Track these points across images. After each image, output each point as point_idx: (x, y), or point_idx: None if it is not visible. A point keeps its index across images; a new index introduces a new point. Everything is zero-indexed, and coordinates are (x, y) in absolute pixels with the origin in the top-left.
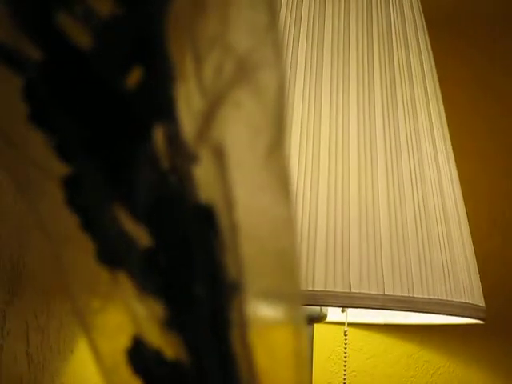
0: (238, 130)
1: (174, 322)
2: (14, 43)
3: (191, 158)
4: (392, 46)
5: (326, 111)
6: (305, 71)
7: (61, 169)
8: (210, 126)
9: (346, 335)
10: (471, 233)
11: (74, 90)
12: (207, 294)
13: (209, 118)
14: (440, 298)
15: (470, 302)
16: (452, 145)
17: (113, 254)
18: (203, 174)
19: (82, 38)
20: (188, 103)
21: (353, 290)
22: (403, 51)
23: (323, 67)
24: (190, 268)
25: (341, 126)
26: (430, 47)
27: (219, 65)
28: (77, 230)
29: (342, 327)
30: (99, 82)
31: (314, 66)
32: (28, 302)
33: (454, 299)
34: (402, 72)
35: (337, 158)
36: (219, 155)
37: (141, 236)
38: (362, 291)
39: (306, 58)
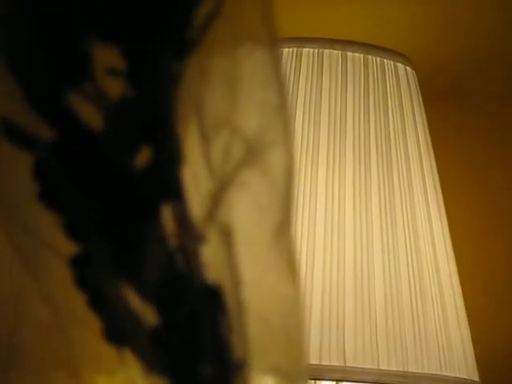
0: (246, 211)
1: None
2: (25, 123)
3: (199, 238)
4: (388, 120)
5: (322, 185)
6: (301, 145)
7: (69, 247)
8: (218, 207)
9: None
10: (466, 304)
11: (84, 169)
12: (213, 373)
13: (217, 198)
14: (434, 372)
15: (465, 376)
16: (447, 216)
17: (120, 331)
18: (211, 253)
19: (92, 118)
20: (196, 183)
21: (348, 364)
22: (399, 124)
23: (320, 142)
24: (196, 347)
25: (337, 201)
26: (425, 120)
27: (227, 146)
28: (84, 308)
29: None
30: (109, 162)
31: (310, 140)
32: (24, 378)
33: (449, 374)
34: (397, 146)
35: (332, 231)
36: (227, 235)
37: (148, 314)
38: (357, 365)
39: (302, 133)
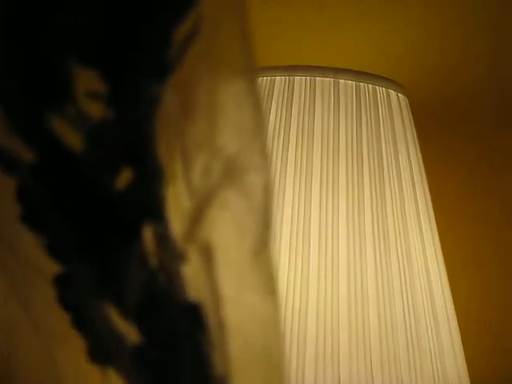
0: (226, 230)
1: None
2: (7, 145)
3: (180, 257)
4: (381, 147)
5: (316, 212)
6: (294, 174)
7: (53, 268)
8: (198, 226)
9: None
10: (461, 331)
11: (65, 191)
12: None
13: (197, 218)
14: None
15: None
16: (440, 240)
17: (103, 351)
18: (191, 272)
19: (73, 140)
20: (177, 203)
21: None
22: (392, 152)
23: (313, 169)
24: (178, 365)
25: (330, 228)
26: (418, 147)
27: (207, 166)
28: (68, 328)
29: None
30: (90, 183)
31: (303, 167)
32: None
33: None
34: (390, 173)
35: (326, 259)
36: (207, 254)
37: (130, 333)
38: None
39: (295, 161)
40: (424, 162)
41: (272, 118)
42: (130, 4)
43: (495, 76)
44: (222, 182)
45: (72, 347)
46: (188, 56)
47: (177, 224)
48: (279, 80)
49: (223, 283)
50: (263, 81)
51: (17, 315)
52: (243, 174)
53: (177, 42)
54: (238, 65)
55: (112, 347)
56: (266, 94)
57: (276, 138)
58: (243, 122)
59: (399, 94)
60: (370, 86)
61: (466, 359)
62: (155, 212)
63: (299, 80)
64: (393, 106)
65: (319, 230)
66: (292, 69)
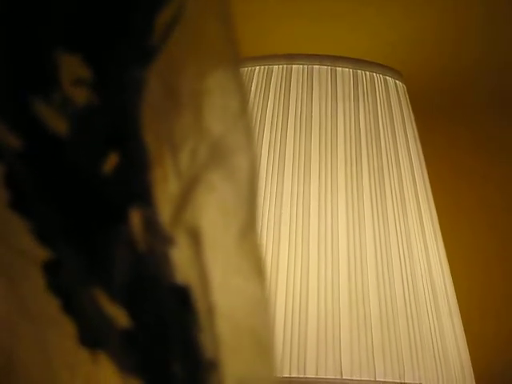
0: (212, 214)
1: None
2: None
3: (167, 241)
4: (379, 134)
5: (315, 199)
6: (293, 162)
7: (42, 254)
8: (185, 210)
9: None
10: (462, 316)
11: (52, 177)
12: (185, 373)
13: (183, 202)
14: (431, 383)
15: None
16: (441, 232)
17: (93, 334)
18: (179, 256)
19: (59, 126)
20: (164, 188)
21: (344, 377)
22: (390, 139)
23: (311, 156)
24: (166, 347)
25: (330, 217)
26: (417, 134)
27: (193, 150)
28: (59, 313)
29: None
30: (76, 168)
31: (302, 155)
32: None
33: None
34: (389, 160)
35: (326, 245)
36: (195, 238)
37: (119, 317)
38: (354, 378)
39: (293, 149)
40: (422, 141)
41: (270, 106)
42: None
43: (490, 62)
44: (208, 165)
45: (62, 331)
46: (171, 42)
47: (164, 208)
48: (277, 69)
49: (211, 266)
50: (261, 70)
51: (7, 302)
52: (228, 157)
53: (159, 27)
54: (222, 50)
55: (102, 331)
56: (264, 82)
57: (274, 126)
58: (228, 105)
59: (397, 81)
60: (368, 73)
61: (468, 343)
62: (142, 196)
63: (297, 68)
64: (390, 93)
65: (318, 216)
66: (290, 57)
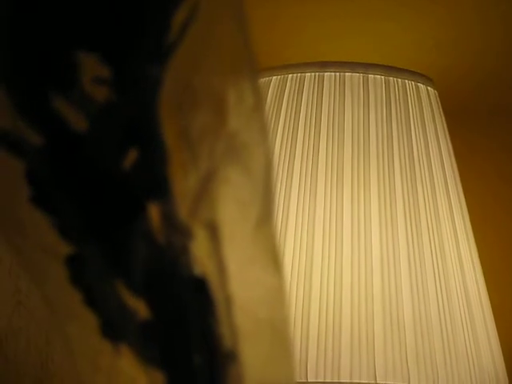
0: (229, 206)
1: None
2: (14, 130)
3: (185, 234)
4: (411, 141)
5: (348, 207)
6: (326, 169)
7: (64, 248)
8: (202, 203)
9: None
10: (497, 324)
11: (73, 172)
12: (205, 364)
13: (201, 195)
14: None
15: None
16: (475, 237)
17: (115, 327)
18: (197, 248)
19: (79, 122)
20: (181, 181)
21: (378, 382)
22: (422, 145)
23: (344, 165)
24: (186, 339)
25: (363, 221)
26: (449, 140)
27: (211, 144)
28: (81, 306)
29: None
30: (96, 164)
31: (335, 163)
32: None
33: None
34: (421, 167)
35: (359, 252)
36: (212, 230)
37: (140, 309)
38: (388, 382)
39: (326, 156)
40: (455, 154)
41: (303, 113)
42: None
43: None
44: (224, 159)
45: (84, 324)
46: (187, 40)
47: (182, 202)
48: (309, 76)
49: (228, 259)
50: (294, 77)
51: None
52: (244, 152)
53: (175, 26)
54: (237, 49)
55: (123, 323)
56: (297, 90)
57: (307, 134)
58: (243, 101)
59: (429, 88)
60: (399, 80)
61: (502, 348)
62: (160, 190)
63: (329, 76)
64: (422, 99)
65: (351, 223)
66: (322, 65)
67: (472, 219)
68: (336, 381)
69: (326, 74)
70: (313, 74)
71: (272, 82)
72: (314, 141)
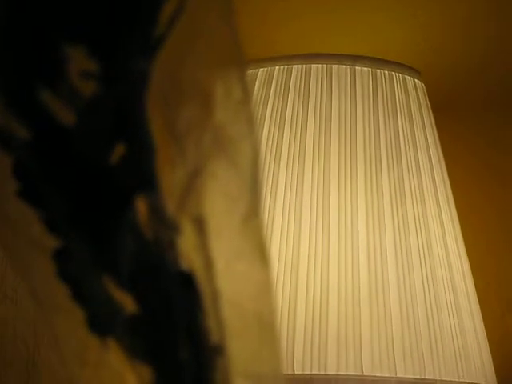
0: (216, 200)
1: None
2: (1, 122)
3: (173, 228)
4: (398, 132)
5: (335, 198)
6: (313, 161)
7: (51, 242)
8: (189, 197)
9: None
10: (483, 314)
11: (60, 166)
12: (191, 358)
13: (188, 189)
14: (452, 379)
15: (483, 382)
16: (461, 228)
17: (102, 321)
18: (184, 242)
19: (66, 116)
20: (169, 175)
21: (365, 373)
22: (409, 137)
23: (331, 156)
24: (173, 332)
25: (349, 212)
26: (436, 132)
27: (198, 137)
28: (68, 300)
29: None
30: (83, 158)
31: (321, 154)
32: None
33: (466, 380)
34: (408, 158)
35: (346, 243)
36: (199, 224)
37: (127, 303)
38: (375, 374)
39: (313, 147)
40: (442, 146)
41: (289, 106)
42: None
43: (498, 60)
44: (211, 153)
45: (71, 318)
46: (174, 33)
47: (169, 196)
48: (296, 68)
49: (215, 253)
50: (280, 69)
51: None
52: (231, 145)
53: (163, 18)
54: (224, 42)
55: (110, 317)
56: (284, 82)
57: (294, 125)
58: (230, 94)
59: (416, 80)
60: (387, 72)
61: (488, 335)
62: (148, 184)
63: (316, 68)
64: (409, 92)
65: (338, 213)
66: (309, 57)
67: (458, 210)
68: (323, 373)
69: (312, 66)
70: (300, 66)
71: (259, 74)
72: (301, 133)
